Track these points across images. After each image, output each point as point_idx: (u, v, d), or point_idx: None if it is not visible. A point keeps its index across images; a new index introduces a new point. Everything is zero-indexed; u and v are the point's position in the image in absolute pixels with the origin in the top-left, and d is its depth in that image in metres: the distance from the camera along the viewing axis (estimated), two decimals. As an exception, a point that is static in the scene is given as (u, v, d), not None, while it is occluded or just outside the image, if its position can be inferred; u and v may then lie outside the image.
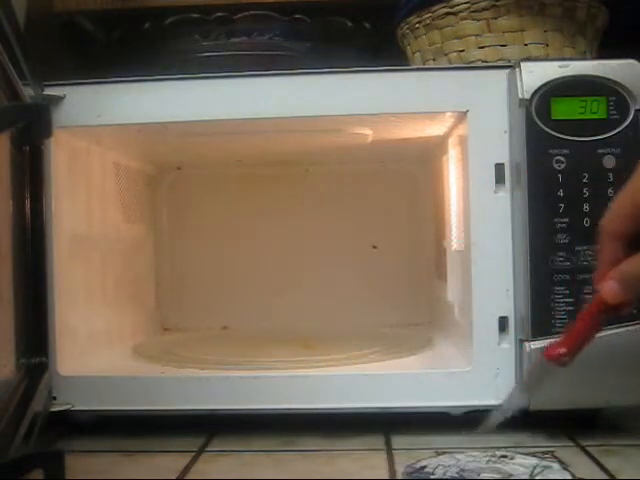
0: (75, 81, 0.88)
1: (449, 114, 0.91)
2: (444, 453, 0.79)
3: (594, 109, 0.82)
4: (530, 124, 0.83)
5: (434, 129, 1.01)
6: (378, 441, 0.85)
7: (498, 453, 0.77)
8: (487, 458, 0.75)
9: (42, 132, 0.82)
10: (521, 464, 0.73)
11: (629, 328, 0.81)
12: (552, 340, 0.65)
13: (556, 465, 0.73)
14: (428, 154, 1.21)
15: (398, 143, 1.10)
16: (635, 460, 0.77)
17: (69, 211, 0.93)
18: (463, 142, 0.90)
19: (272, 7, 1.11)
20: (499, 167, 0.85)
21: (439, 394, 0.86)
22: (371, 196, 1.33)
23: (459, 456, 0.77)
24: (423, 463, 0.75)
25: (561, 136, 0.82)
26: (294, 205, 1.34)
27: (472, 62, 0.96)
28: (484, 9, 0.95)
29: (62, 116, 0.87)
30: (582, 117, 0.82)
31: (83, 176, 1.01)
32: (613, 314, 0.60)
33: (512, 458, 0.75)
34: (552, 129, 0.82)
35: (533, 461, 0.74)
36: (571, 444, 0.82)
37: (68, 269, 0.92)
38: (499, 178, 0.85)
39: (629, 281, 0.58)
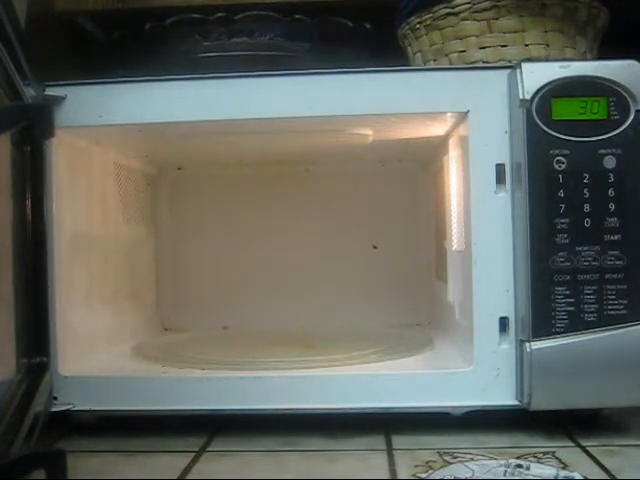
0: (76, 81, 0.89)
1: (450, 114, 0.91)
2: (446, 454, 0.78)
3: (594, 109, 0.83)
4: (531, 124, 0.83)
5: (435, 129, 1.01)
6: (379, 441, 0.85)
7: (512, 462, 0.75)
8: (503, 468, 0.73)
9: (44, 132, 0.82)
10: (540, 475, 0.71)
11: (628, 329, 0.82)
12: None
13: (577, 475, 0.71)
14: (429, 154, 1.21)
15: (398, 143, 1.10)
16: (635, 460, 0.77)
17: (70, 211, 0.94)
18: (464, 142, 0.91)
19: (273, 7, 1.10)
20: (500, 167, 0.86)
21: (439, 394, 0.86)
22: (371, 196, 1.33)
23: (472, 465, 0.75)
24: (436, 476, 0.72)
25: (562, 136, 0.83)
26: (294, 205, 1.34)
27: (473, 62, 0.96)
28: (485, 9, 0.95)
29: (63, 116, 0.87)
30: (583, 118, 0.83)
31: (84, 176, 1.01)
32: None
33: (528, 468, 0.73)
34: (553, 129, 0.83)
35: (552, 471, 0.72)
36: (571, 444, 0.82)
37: (69, 269, 0.92)
38: (500, 178, 0.86)
39: None
